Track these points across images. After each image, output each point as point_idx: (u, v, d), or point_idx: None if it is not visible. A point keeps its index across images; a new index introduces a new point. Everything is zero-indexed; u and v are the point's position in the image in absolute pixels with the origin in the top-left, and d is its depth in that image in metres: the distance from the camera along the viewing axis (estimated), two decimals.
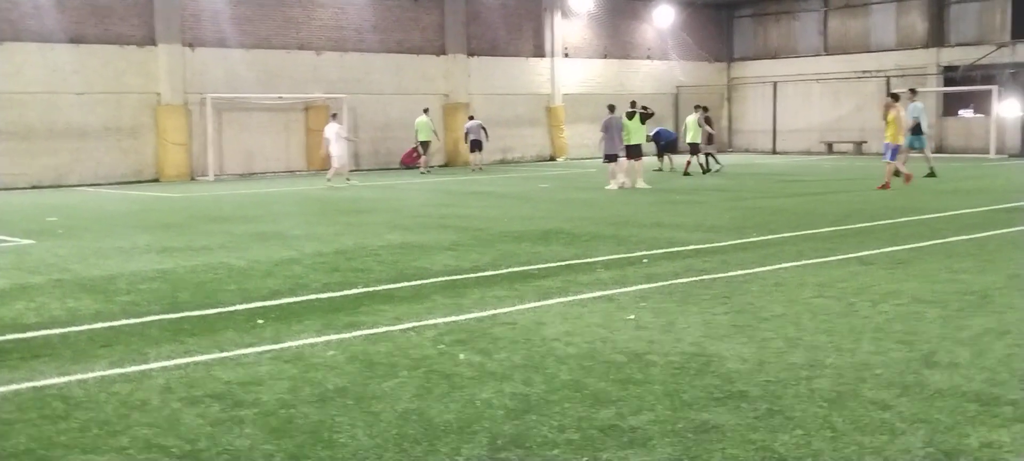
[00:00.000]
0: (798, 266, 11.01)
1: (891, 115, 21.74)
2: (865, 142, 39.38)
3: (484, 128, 32.96)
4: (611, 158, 23.91)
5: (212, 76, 31.01)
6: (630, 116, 24.44)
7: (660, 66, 43.15)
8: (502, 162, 37.49)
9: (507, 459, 5.00)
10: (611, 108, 24.80)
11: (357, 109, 33.88)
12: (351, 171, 31.37)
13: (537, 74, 39.31)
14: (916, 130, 25.10)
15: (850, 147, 39.81)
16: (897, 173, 21.90)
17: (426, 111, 32.59)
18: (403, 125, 35.30)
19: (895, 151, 21.70)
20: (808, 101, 42.42)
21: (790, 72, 42.85)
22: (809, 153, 40.73)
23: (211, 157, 30.71)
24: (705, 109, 29.85)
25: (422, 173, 31.41)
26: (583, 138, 39.04)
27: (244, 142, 31.42)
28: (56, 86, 28.46)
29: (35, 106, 28.18)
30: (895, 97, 22.47)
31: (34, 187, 27.62)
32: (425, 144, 32.31)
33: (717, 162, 29.89)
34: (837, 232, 14.11)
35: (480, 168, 32.91)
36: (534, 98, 39.17)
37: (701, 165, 28.86)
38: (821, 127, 41.51)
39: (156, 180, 29.89)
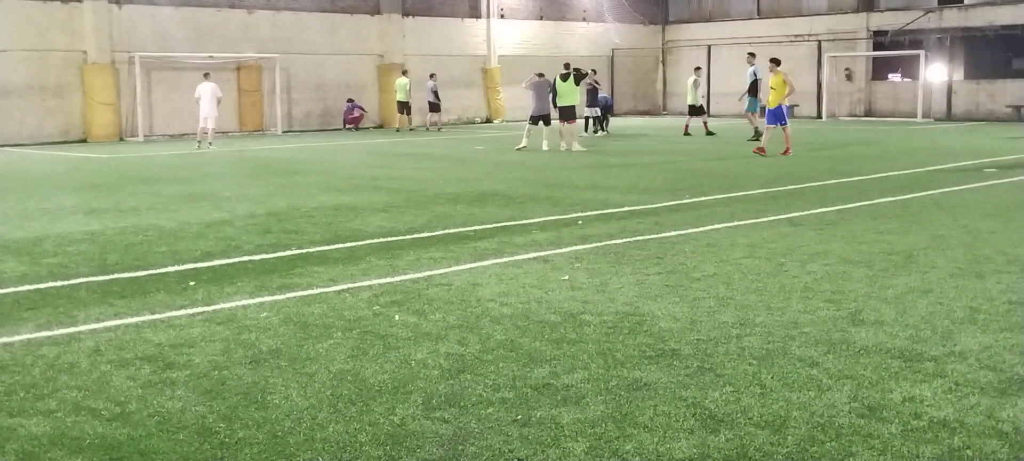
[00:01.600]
0: (730, 227, 11.16)
1: (775, 78, 21.62)
2: (797, 106, 39.89)
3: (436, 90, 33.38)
4: (537, 119, 24.25)
5: (140, 34, 30.33)
6: (564, 78, 24.52)
7: (596, 28, 43.21)
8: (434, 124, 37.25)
9: (441, 417, 5.02)
10: (540, 75, 25.18)
11: (290, 69, 33.44)
12: (266, 131, 31.07)
13: (473, 35, 39.13)
14: (752, 91, 26.85)
15: (796, 109, 40.31)
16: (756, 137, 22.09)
17: (405, 73, 33.79)
18: (337, 86, 34.98)
19: (778, 114, 21.49)
20: (742, 65, 42.67)
21: (724, 35, 43.21)
22: (742, 116, 41.16)
23: (140, 117, 30.11)
24: (588, 72, 28.75)
25: (399, 131, 33.23)
26: (519, 100, 38.93)
27: (174, 102, 30.82)
28: None
29: None
30: (776, 62, 22.22)
31: None
32: (404, 105, 33.44)
33: (602, 127, 30.08)
34: (768, 194, 14.32)
35: (438, 128, 33.78)
36: (470, 60, 39.00)
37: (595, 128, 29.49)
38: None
39: (84, 140, 29.23)
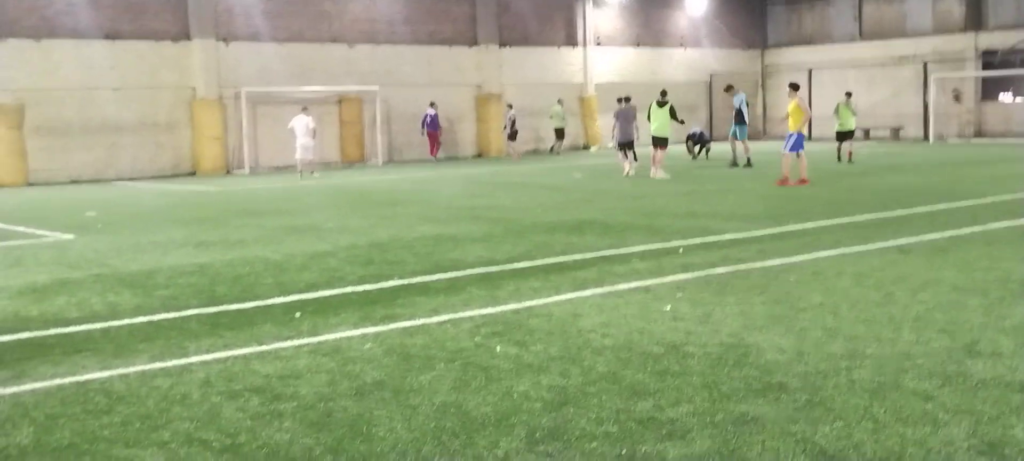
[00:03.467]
0: (836, 255, 10.91)
1: (792, 105, 20.89)
2: (902, 128, 38.99)
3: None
4: (625, 146, 24.54)
5: (246, 70, 31.20)
6: (660, 106, 24.47)
7: (693, 54, 42.88)
8: (535, 151, 37.44)
9: (545, 452, 5.00)
10: (626, 99, 25.61)
11: (390, 101, 33.96)
12: (384, 162, 31.63)
13: (569, 63, 39.20)
14: (739, 119, 26.41)
15: (887, 133, 39.38)
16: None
17: (560, 102, 36.56)
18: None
19: (798, 141, 20.60)
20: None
21: (825, 58, 42.45)
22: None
23: (246, 151, 30.93)
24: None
25: (553, 153, 35.82)
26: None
27: (277, 135, 31.57)
28: (92, 82, 28.74)
29: (72, 102, 28.47)
30: (795, 87, 21.42)
31: (73, 182, 27.93)
32: (559, 131, 36.02)
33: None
34: (875, 220, 13.97)
35: (516, 157, 34.07)
36: (566, 88, 39.06)
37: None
38: (858, 113, 40.99)
39: (193, 174, 30.13)
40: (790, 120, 20.93)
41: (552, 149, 36.81)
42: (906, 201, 16.16)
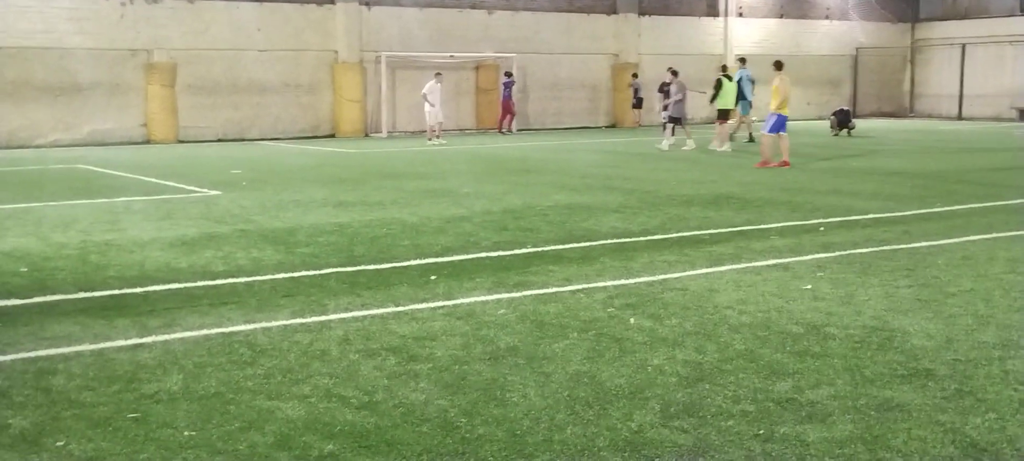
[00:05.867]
0: (987, 239, 10.42)
1: (775, 84, 19.65)
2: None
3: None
4: (675, 120, 24.32)
5: (386, 34, 31.66)
6: (728, 79, 24.16)
7: (839, 26, 41.50)
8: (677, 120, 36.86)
9: (680, 427, 4.93)
10: (675, 72, 24.98)
11: (527, 67, 33.97)
12: (512, 131, 31.73)
13: (710, 34, 38.46)
14: (741, 96, 25.39)
15: (1015, 114, 37.38)
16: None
17: (729, 77, 27.91)
18: (571, 85, 35.28)
19: (779, 122, 19.39)
20: (1000, 64, 39.97)
21: (981, 33, 40.48)
22: (999, 119, 38.47)
23: (385, 114, 31.47)
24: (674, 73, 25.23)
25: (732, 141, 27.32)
26: (758, 100, 37.98)
27: (416, 99, 31.98)
28: (240, 43, 29.63)
29: (220, 62, 29.44)
30: (778, 65, 20.03)
31: (219, 140, 28.93)
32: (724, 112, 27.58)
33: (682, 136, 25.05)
34: None
35: (638, 123, 33.69)
36: (707, 58, 38.35)
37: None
38: (1013, 92, 39.08)
39: (332, 136, 30.84)
40: (772, 100, 19.78)
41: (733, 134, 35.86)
42: None
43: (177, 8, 28.58)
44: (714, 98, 24.76)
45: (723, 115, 24.51)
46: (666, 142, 24.35)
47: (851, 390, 5.46)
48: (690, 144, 24.06)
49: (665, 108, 25.54)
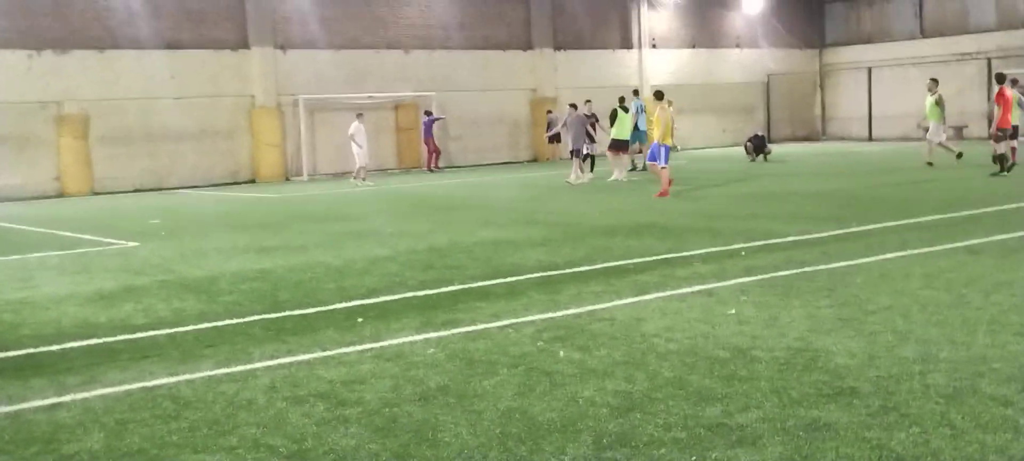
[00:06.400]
0: (903, 256, 10.69)
1: (656, 115, 19.90)
2: (966, 127, 38.18)
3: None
4: (576, 153, 24.32)
5: (303, 77, 31.47)
6: (625, 110, 24.53)
7: (750, 54, 42.41)
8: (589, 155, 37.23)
9: (613, 458, 4.93)
10: (573, 106, 25.33)
11: (446, 106, 34.03)
12: (440, 168, 31.74)
13: (625, 66, 38.97)
14: (636, 126, 26.07)
15: (950, 133, 38.56)
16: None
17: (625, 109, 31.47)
18: (491, 121, 35.42)
19: (663, 152, 19.55)
20: (905, 86, 41.07)
21: (885, 57, 41.72)
22: (907, 139, 39.56)
23: (305, 157, 31.21)
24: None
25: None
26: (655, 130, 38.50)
27: (335, 141, 31.81)
28: (153, 91, 29.16)
29: (133, 111, 28.91)
30: (659, 95, 20.40)
31: (136, 190, 28.37)
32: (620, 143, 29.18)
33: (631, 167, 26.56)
34: (942, 220, 13.68)
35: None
36: (623, 90, 38.79)
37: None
38: (919, 112, 40.06)
39: (252, 181, 30.47)
40: (654, 130, 19.98)
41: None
42: (973, 201, 15.81)
43: (86, 58, 28.08)
44: (611, 127, 24.95)
45: (618, 146, 24.68)
46: (585, 176, 24.30)
47: (779, 412, 5.53)
48: (585, 178, 23.80)
49: (554, 139, 25.92)
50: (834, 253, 11.14)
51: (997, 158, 20.68)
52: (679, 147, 34.67)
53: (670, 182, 19.67)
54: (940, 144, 24.20)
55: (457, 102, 34.46)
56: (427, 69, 33.86)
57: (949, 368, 6.23)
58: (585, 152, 24.58)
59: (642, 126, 26.51)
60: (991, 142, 21.34)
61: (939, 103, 24.31)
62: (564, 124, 25.10)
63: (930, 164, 23.41)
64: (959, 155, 23.68)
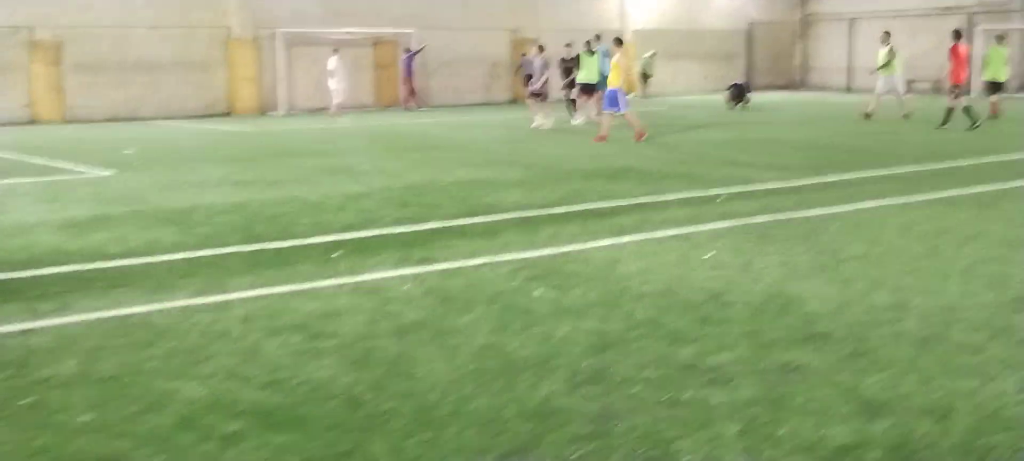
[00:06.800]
0: (879, 206, 10.75)
1: (614, 60, 19.97)
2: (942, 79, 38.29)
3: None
4: (536, 95, 24.09)
5: (281, 11, 31.04)
6: (591, 53, 24.13)
7: (732, 2, 42.22)
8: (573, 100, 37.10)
9: (587, 395, 4.97)
10: (541, 48, 25.04)
11: (425, 44, 33.72)
12: (418, 106, 31.53)
13: (606, 9, 38.72)
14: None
15: (928, 86, 38.72)
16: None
17: (653, 55, 36.28)
18: (470, 60, 35.17)
19: (615, 97, 19.62)
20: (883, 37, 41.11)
21: (867, 8, 41.62)
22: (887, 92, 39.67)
23: (281, 92, 30.92)
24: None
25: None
26: (655, 74, 38.43)
27: (313, 77, 31.50)
28: (128, 20, 28.72)
29: (107, 39, 28.48)
30: (619, 41, 20.43)
31: (110, 120, 28.03)
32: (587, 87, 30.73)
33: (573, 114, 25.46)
34: (918, 172, 13.76)
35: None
36: (603, 34, 38.58)
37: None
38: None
39: (228, 114, 30.17)
40: (612, 75, 19.89)
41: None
42: (951, 153, 15.90)
43: None
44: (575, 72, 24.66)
45: (585, 89, 24.22)
46: (539, 119, 23.72)
47: (752, 354, 5.58)
48: (548, 123, 23.37)
49: (527, 84, 25.26)
50: (810, 201, 11.19)
51: (948, 111, 20.94)
52: (638, 94, 34.83)
53: (643, 132, 19.50)
54: (898, 97, 24.43)
55: (437, 40, 34.13)
56: (406, 6, 33.47)
57: (921, 316, 6.30)
58: (571, 97, 24.48)
59: (606, 71, 26.13)
60: (948, 97, 21.58)
61: (890, 56, 24.47)
62: (542, 68, 24.66)
63: (868, 116, 23.60)
64: (907, 116, 23.77)
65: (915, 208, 10.60)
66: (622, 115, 19.84)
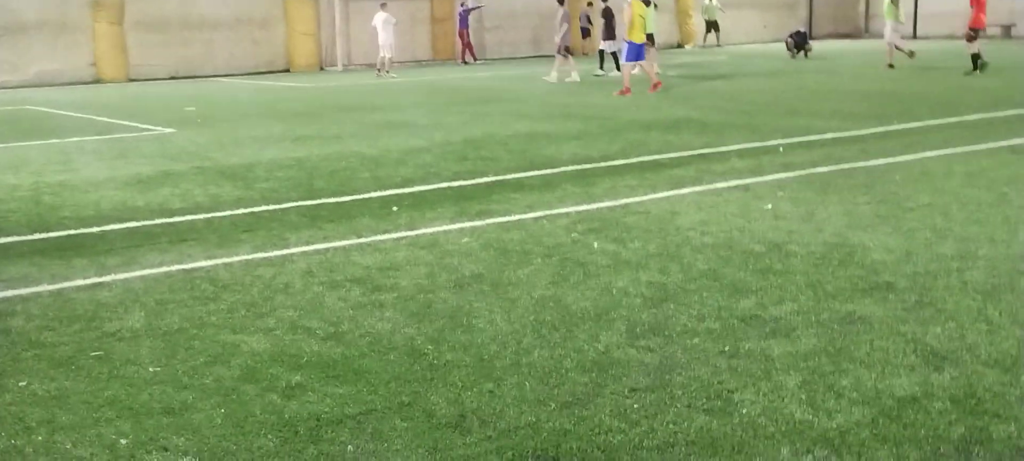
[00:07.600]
0: (944, 155, 10.53)
1: (632, 14, 19.29)
2: (1014, 25, 37.21)
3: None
4: (566, 50, 23.57)
5: None
6: (647, 3, 23.42)
7: None
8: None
9: (646, 346, 4.96)
10: (561, 1, 24.21)
11: (483, 3, 33.57)
12: (475, 61, 31.45)
13: None
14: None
15: (998, 31, 37.63)
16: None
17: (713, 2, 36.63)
18: (527, 14, 34.95)
19: (637, 51, 19.29)
20: None
21: None
22: (953, 37, 38.64)
23: (339, 47, 31.04)
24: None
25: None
26: (720, 22, 37.82)
27: (371, 32, 31.51)
28: None
29: None
30: None
31: (171, 78, 28.42)
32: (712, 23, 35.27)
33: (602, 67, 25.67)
34: (985, 120, 13.43)
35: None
36: None
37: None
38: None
39: (287, 70, 30.41)
40: (629, 29, 19.36)
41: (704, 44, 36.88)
42: (1019, 101, 15.48)
43: None
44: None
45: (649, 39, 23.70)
46: (556, 74, 23.51)
47: (813, 305, 5.52)
48: (575, 76, 23.16)
49: (585, 37, 24.51)
50: (874, 150, 10.99)
51: (974, 57, 20.59)
52: (697, 44, 34.46)
53: (626, 90, 19.11)
54: (896, 46, 23.87)
55: None
56: None
57: (987, 265, 6.17)
58: (609, 50, 24.12)
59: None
60: (965, 42, 21.25)
61: (895, 2, 23.93)
62: (559, 19, 24.13)
63: (891, 66, 23.14)
64: (911, 54, 23.82)
65: (982, 156, 10.36)
66: (630, 64, 19.54)
